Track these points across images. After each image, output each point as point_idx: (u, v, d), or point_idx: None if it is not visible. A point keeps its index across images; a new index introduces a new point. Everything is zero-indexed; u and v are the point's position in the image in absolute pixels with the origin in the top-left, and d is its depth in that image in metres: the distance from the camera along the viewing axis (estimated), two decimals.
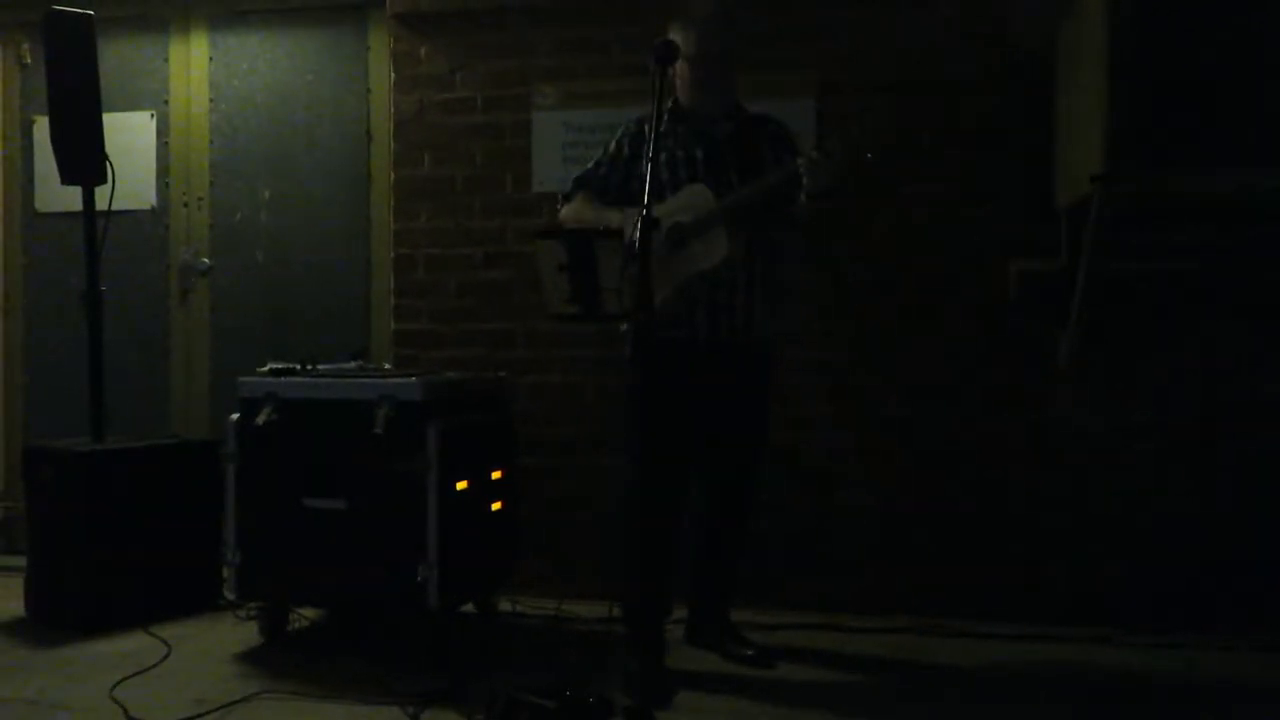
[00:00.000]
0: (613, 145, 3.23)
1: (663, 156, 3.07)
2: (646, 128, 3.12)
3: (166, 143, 4.65)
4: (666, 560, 3.03)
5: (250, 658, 3.20)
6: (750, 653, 3.14)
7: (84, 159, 3.81)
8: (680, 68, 3.05)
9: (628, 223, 3.00)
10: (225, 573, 3.36)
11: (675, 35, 2.97)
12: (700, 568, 3.26)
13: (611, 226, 3.00)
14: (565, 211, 3.28)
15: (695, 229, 2.96)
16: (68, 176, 3.82)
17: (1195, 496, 3.47)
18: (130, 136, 4.60)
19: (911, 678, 3.04)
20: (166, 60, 4.65)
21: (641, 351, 2.45)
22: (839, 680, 3.03)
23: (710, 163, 3.06)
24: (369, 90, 4.45)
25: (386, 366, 3.80)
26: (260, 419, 3.24)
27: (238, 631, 3.45)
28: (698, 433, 3.09)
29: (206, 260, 4.61)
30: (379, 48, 4.39)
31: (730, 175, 3.03)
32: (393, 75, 4.18)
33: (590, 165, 3.28)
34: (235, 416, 3.31)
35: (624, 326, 2.99)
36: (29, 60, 4.77)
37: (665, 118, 3.12)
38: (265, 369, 3.38)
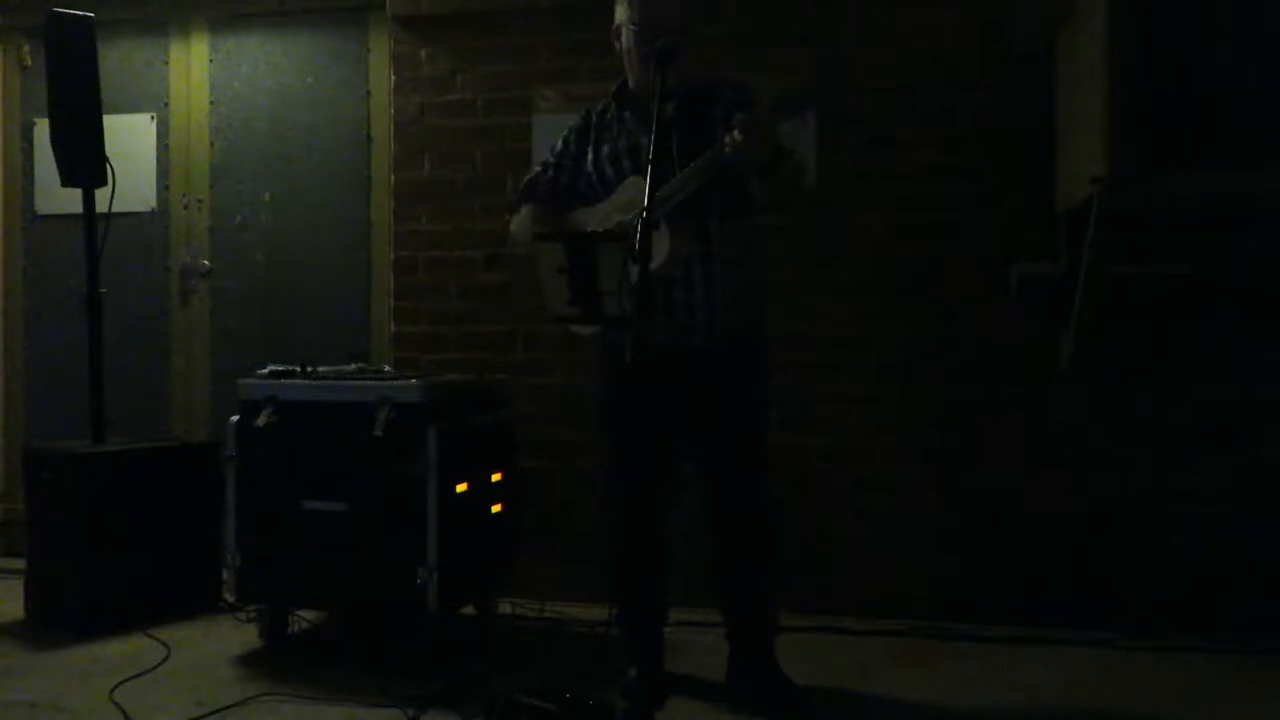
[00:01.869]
0: (559, 144, 3.00)
1: (605, 150, 2.89)
2: (593, 118, 2.98)
3: (167, 145, 4.65)
4: (656, 564, 2.92)
5: (250, 660, 3.20)
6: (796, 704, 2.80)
7: (84, 161, 3.81)
8: (626, 41, 2.82)
9: (591, 224, 2.86)
10: (225, 575, 3.37)
11: (619, 3, 2.83)
12: (724, 587, 2.94)
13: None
14: (514, 224, 3.05)
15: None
16: (68, 178, 3.82)
17: (1195, 499, 3.47)
18: (130, 139, 4.61)
19: (911, 681, 3.04)
20: (167, 62, 4.66)
21: (641, 355, 2.40)
22: (838, 683, 3.01)
23: (656, 149, 2.64)
24: (369, 93, 4.45)
25: (386, 369, 3.79)
26: (260, 421, 3.24)
27: (237, 634, 3.45)
28: (671, 440, 2.86)
29: (206, 262, 4.61)
30: (379, 50, 4.39)
31: (675, 161, 2.67)
32: (393, 78, 4.18)
33: (538, 168, 3.06)
34: (235, 419, 3.31)
35: (578, 329, 2.88)
36: (30, 63, 4.77)
37: (610, 104, 2.96)
38: (265, 371, 3.38)
